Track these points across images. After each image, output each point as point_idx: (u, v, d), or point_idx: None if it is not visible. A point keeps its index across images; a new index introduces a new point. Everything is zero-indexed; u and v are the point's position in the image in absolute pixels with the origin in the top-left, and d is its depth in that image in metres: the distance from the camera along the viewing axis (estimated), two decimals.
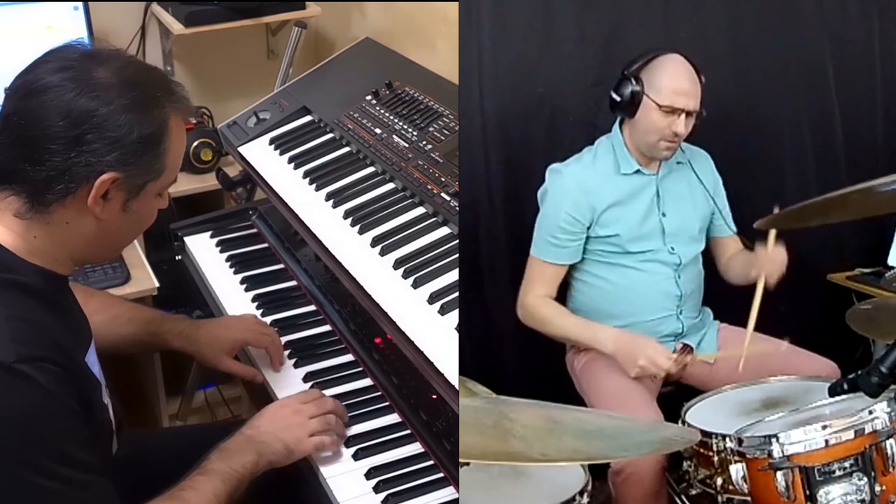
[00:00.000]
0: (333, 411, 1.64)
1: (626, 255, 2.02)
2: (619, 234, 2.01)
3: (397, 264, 1.73)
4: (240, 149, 2.25)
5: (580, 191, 1.99)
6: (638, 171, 2.02)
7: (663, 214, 2.04)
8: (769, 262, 1.95)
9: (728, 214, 2.15)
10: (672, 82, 1.93)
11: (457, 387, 1.43)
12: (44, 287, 1.34)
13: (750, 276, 2.00)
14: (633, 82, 1.94)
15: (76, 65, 1.31)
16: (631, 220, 2.02)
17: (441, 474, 1.58)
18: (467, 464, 1.52)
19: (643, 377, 1.93)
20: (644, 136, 1.98)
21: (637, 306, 2.04)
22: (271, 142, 2.23)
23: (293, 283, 2.11)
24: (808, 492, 1.56)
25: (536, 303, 2.05)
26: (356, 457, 1.62)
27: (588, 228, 2.01)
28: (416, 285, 1.67)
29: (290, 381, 1.81)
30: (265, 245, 2.25)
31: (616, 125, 2.05)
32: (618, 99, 1.97)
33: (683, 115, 1.93)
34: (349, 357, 1.87)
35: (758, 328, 2.18)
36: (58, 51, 1.35)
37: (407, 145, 2.01)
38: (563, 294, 2.15)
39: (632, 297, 2.04)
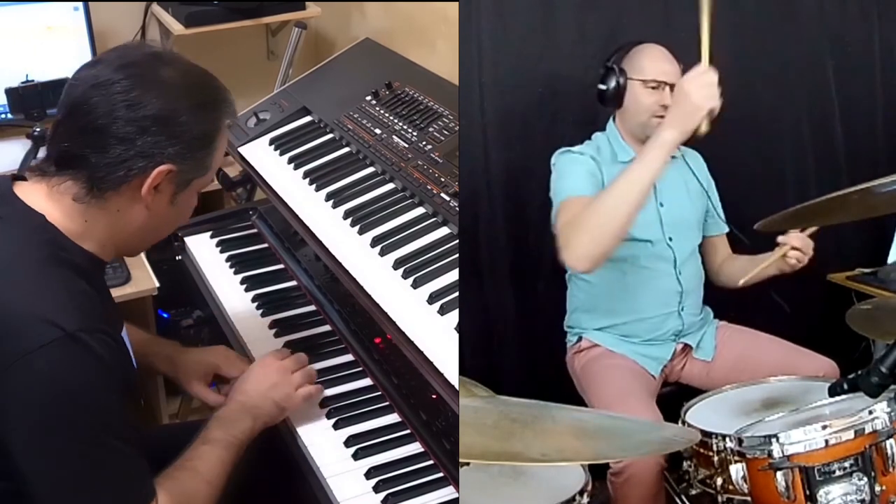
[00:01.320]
0: (311, 365, 1.72)
1: (626, 248, 2.01)
2: None
3: (397, 264, 1.73)
4: (240, 149, 2.24)
5: (593, 163, 2.00)
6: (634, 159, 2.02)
7: (661, 204, 2.05)
8: (799, 239, 1.95)
9: (721, 211, 2.16)
10: (654, 62, 2.01)
11: (457, 387, 1.43)
12: (90, 269, 1.41)
13: (745, 277, 2.01)
14: (617, 71, 2.01)
15: (142, 62, 1.38)
16: None
17: (441, 474, 1.58)
18: (467, 464, 1.53)
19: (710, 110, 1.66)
20: (635, 118, 2.02)
21: (639, 303, 2.04)
22: (271, 142, 2.23)
23: (293, 283, 2.11)
24: (808, 492, 1.56)
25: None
26: (356, 456, 1.62)
27: None
28: (416, 285, 1.67)
29: None
30: (265, 245, 2.25)
31: (609, 121, 2.08)
32: (604, 89, 2.03)
33: (669, 89, 1.96)
34: (349, 357, 1.87)
35: (757, 328, 2.18)
36: (120, 48, 1.44)
37: (407, 145, 2.01)
38: (563, 295, 2.15)
39: (634, 294, 2.04)
